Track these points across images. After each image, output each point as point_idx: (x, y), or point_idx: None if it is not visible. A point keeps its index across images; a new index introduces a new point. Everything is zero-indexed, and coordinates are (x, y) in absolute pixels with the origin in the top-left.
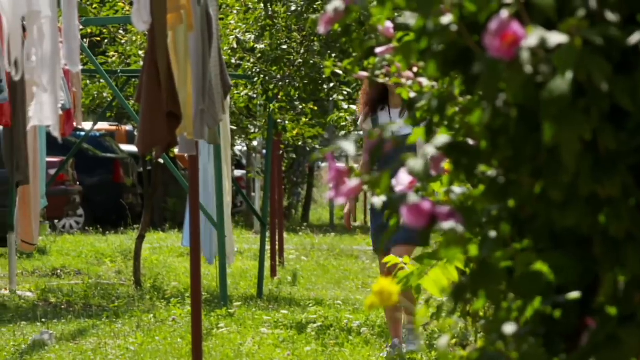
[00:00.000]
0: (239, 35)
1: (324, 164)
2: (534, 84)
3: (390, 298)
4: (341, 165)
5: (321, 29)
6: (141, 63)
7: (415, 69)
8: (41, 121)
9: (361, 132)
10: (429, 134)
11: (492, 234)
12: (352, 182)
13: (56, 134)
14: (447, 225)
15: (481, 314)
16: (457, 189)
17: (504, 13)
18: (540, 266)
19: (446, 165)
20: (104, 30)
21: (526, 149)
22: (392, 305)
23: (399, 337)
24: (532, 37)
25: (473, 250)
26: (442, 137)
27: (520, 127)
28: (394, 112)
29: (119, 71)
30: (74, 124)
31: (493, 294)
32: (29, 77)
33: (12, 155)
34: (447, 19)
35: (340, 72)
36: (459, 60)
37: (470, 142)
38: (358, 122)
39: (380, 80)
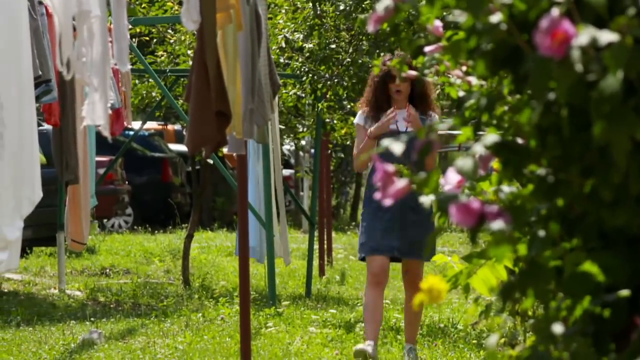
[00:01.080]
0: (287, 35)
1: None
2: (585, 82)
3: (439, 296)
4: (389, 165)
5: (370, 28)
6: (190, 62)
7: (464, 68)
8: (93, 120)
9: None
10: (477, 133)
11: (541, 233)
12: (401, 182)
13: (106, 133)
14: (496, 224)
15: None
16: (506, 188)
17: (555, 11)
18: (590, 265)
19: (495, 164)
20: (153, 30)
21: (576, 148)
22: (375, 308)
23: (375, 340)
24: (583, 35)
25: (522, 249)
26: (491, 136)
27: (570, 126)
28: (398, 113)
29: (167, 70)
30: (124, 123)
31: (542, 293)
32: (80, 76)
33: (62, 154)
34: (496, 17)
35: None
36: (508, 59)
37: (519, 141)
38: (355, 118)
39: (430, 78)
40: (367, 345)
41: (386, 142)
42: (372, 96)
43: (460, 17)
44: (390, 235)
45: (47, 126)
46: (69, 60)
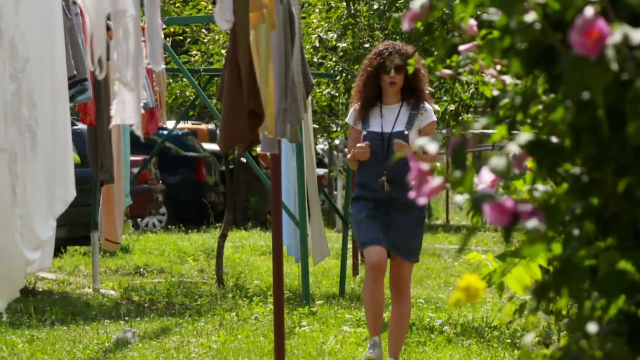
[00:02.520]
0: (321, 34)
1: None
2: (619, 81)
3: (476, 294)
4: (423, 164)
5: (405, 26)
6: (223, 62)
7: (498, 67)
8: (123, 120)
9: (444, 131)
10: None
11: (576, 232)
12: (435, 181)
13: (139, 132)
14: (530, 223)
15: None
16: (540, 187)
17: (589, 10)
18: (624, 264)
19: (529, 163)
20: (187, 29)
21: (610, 147)
22: (375, 300)
23: (379, 335)
24: (617, 34)
25: (556, 248)
26: (525, 135)
27: (605, 125)
28: (387, 109)
29: (201, 70)
30: (158, 122)
31: (576, 292)
32: (115, 75)
33: (97, 154)
34: (530, 16)
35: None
36: (543, 58)
37: (554, 140)
38: (347, 117)
39: (465, 77)
40: (372, 351)
41: (421, 142)
42: (362, 87)
43: (494, 16)
44: (380, 226)
45: (81, 126)
46: (101, 59)
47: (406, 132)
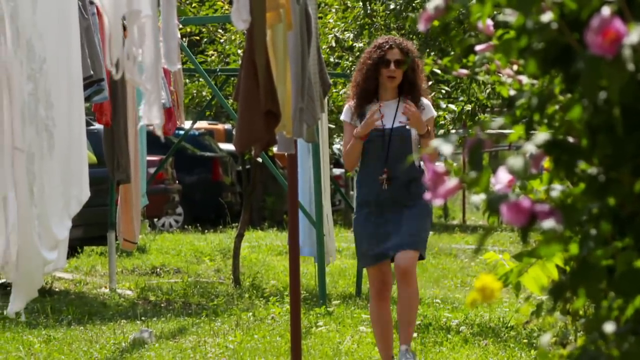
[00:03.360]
0: (337, 34)
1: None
2: (636, 81)
3: (492, 294)
4: (439, 165)
5: (421, 27)
6: (240, 62)
7: (515, 67)
8: (150, 120)
9: (460, 131)
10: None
11: (593, 232)
12: (451, 182)
13: (159, 133)
14: (547, 223)
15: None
16: (557, 187)
17: (606, 10)
18: None
19: (546, 163)
20: (203, 29)
21: (627, 147)
22: (383, 323)
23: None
24: (634, 34)
25: (573, 248)
26: (542, 135)
27: (622, 125)
28: (386, 105)
29: (218, 70)
30: (177, 122)
31: (593, 292)
32: (130, 76)
33: (113, 154)
34: (547, 16)
35: (439, 71)
36: (559, 58)
37: (571, 140)
38: (342, 114)
39: (481, 77)
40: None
41: (436, 143)
42: (360, 81)
43: (511, 16)
44: (384, 238)
45: (98, 126)
46: (119, 60)
47: (407, 127)
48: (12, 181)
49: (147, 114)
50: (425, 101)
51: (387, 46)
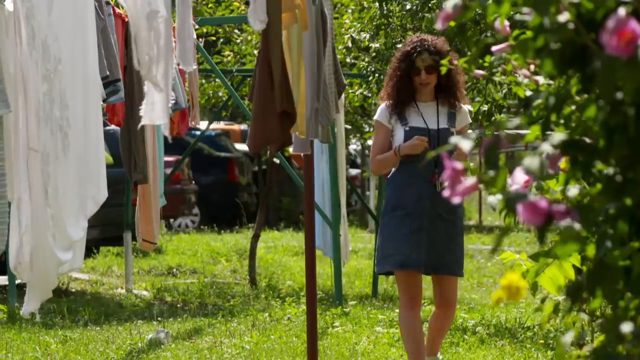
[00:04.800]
0: (353, 34)
1: None
2: None
3: (518, 293)
4: (457, 163)
5: (439, 25)
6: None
7: (531, 67)
8: (152, 120)
9: (477, 131)
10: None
11: (609, 232)
12: (468, 181)
13: (166, 133)
14: (564, 223)
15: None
16: (574, 187)
17: (622, 11)
18: None
19: (563, 164)
20: (219, 30)
21: None
22: (414, 333)
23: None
24: None
25: (590, 249)
26: (559, 135)
27: (636, 125)
28: (424, 106)
29: (234, 70)
30: (192, 123)
31: (610, 293)
32: (145, 74)
33: (130, 154)
34: (564, 16)
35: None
36: (576, 58)
37: (587, 140)
38: (376, 114)
39: (497, 78)
40: None
41: (454, 140)
42: (393, 91)
43: (528, 15)
44: (418, 247)
45: (114, 126)
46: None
47: (452, 130)
48: (26, 182)
49: (149, 114)
50: (464, 106)
51: (414, 53)
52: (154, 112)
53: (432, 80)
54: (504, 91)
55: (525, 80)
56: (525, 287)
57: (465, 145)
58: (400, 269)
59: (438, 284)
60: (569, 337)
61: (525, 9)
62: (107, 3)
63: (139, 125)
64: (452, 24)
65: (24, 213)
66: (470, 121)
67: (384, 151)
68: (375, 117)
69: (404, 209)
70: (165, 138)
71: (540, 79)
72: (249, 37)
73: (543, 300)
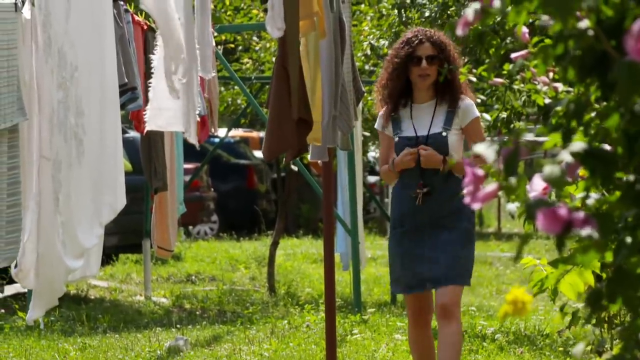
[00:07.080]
0: (372, 42)
1: None
2: None
3: (523, 308)
4: (478, 170)
5: (459, 31)
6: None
7: (550, 75)
8: (160, 127)
9: (496, 139)
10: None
11: (628, 239)
12: (489, 187)
13: (194, 140)
14: (584, 231)
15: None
16: (593, 195)
17: None
18: None
19: (581, 171)
20: (238, 37)
21: None
22: (420, 347)
23: None
24: None
25: (609, 256)
26: (577, 144)
27: None
28: (419, 109)
29: (252, 78)
30: (211, 130)
31: (630, 300)
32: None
33: (150, 161)
34: (584, 23)
35: (474, 79)
36: (596, 66)
37: (607, 148)
38: (376, 122)
39: (517, 85)
40: None
41: (479, 148)
42: (388, 81)
43: (547, 22)
44: (420, 262)
45: (133, 133)
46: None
47: (444, 134)
48: (35, 190)
49: (154, 119)
50: (467, 101)
51: (416, 41)
52: (165, 119)
53: (432, 72)
54: (523, 99)
55: (545, 88)
56: (531, 302)
57: (489, 153)
58: (403, 292)
59: (438, 294)
60: (580, 348)
61: (544, 17)
62: (126, 11)
63: (145, 130)
64: (472, 32)
65: (28, 222)
66: (478, 114)
67: (388, 160)
68: (375, 126)
69: (402, 225)
70: (189, 145)
71: (560, 86)
72: (268, 45)
73: (562, 307)
